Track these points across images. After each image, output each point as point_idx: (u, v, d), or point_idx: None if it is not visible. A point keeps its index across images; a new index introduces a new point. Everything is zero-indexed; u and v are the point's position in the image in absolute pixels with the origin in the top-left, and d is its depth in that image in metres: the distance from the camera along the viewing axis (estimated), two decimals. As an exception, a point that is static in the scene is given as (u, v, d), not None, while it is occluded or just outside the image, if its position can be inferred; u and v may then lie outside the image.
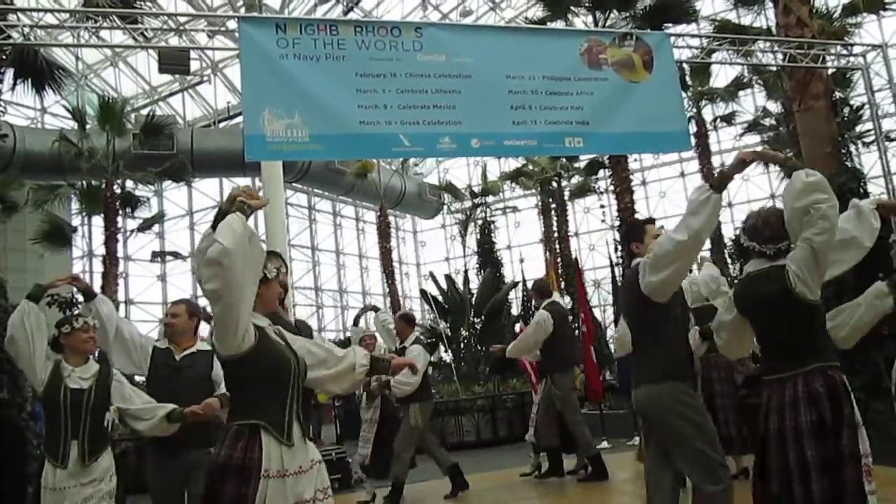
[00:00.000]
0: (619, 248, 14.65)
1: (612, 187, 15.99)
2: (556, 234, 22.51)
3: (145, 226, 16.78)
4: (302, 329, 3.95)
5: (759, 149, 3.39)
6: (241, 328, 2.63)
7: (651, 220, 4.06)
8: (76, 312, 4.24)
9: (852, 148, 13.33)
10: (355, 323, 7.82)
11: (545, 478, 7.43)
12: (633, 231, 3.93)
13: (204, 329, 4.48)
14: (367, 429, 7.34)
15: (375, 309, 7.80)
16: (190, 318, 4.31)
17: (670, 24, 12.96)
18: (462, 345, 16.90)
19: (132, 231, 16.92)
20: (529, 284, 11.52)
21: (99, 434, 3.94)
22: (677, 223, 3.28)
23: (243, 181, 23.81)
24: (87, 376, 3.99)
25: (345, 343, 19.82)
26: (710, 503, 3.37)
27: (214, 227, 2.66)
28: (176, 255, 20.05)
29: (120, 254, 15.89)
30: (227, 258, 2.46)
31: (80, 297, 4.41)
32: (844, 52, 9.58)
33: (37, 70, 10.91)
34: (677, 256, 3.27)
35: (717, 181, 3.20)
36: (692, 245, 3.24)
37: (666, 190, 26.12)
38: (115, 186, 15.21)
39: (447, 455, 7.24)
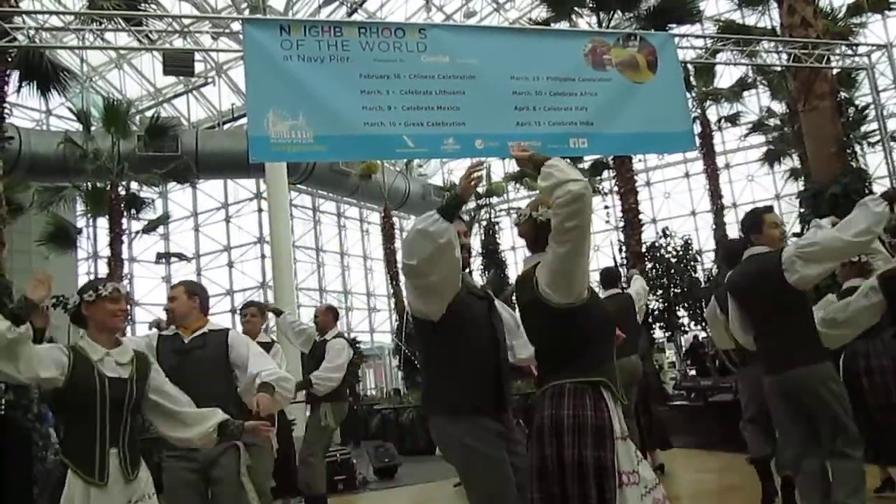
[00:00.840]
0: (624, 248, 14.63)
1: (616, 188, 15.96)
2: (560, 235, 22.46)
3: (150, 227, 16.81)
4: None
5: None
6: (587, 272, 2.60)
7: (769, 209, 4.19)
8: (103, 279, 3.47)
9: (857, 148, 13.29)
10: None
11: None
12: (752, 221, 4.07)
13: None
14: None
15: (277, 312, 6.66)
16: (189, 297, 3.82)
17: (674, 25, 12.94)
18: (466, 346, 16.91)
19: (137, 232, 16.96)
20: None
21: (137, 438, 3.17)
22: (848, 225, 3.63)
23: (247, 182, 23.90)
24: (124, 362, 3.11)
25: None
26: (853, 472, 3.63)
27: (444, 213, 2.83)
28: (181, 256, 20.06)
29: (125, 255, 15.95)
30: (588, 192, 2.48)
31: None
32: (849, 52, 9.58)
33: (42, 72, 10.94)
34: (844, 254, 3.76)
35: (892, 196, 3.68)
36: (866, 246, 3.85)
37: (670, 190, 26.07)
38: (120, 188, 15.24)
39: None
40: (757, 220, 4.00)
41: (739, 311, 4.08)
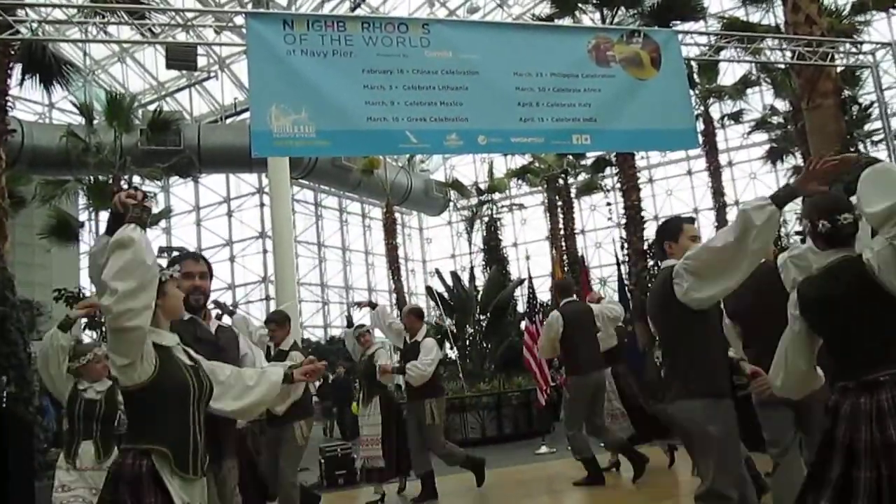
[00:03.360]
0: (625, 245, 14.63)
1: (618, 185, 15.96)
2: (562, 232, 22.49)
3: (152, 221, 16.78)
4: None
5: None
6: None
7: (690, 219, 3.75)
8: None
9: (861, 146, 13.27)
10: (349, 324, 7.64)
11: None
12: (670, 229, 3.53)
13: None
14: (370, 429, 7.00)
15: (373, 305, 7.35)
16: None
17: (678, 22, 12.89)
18: (468, 342, 16.87)
19: (139, 226, 16.93)
20: (536, 283, 11.42)
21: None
22: (720, 233, 3.02)
23: (250, 177, 23.91)
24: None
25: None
26: None
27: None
28: (182, 250, 20.08)
29: (127, 249, 15.91)
30: None
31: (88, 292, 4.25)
32: (853, 49, 9.54)
33: (45, 65, 10.93)
34: (714, 267, 3.05)
35: (784, 197, 2.86)
36: (743, 257, 2.98)
37: (673, 188, 26.07)
38: (122, 182, 15.24)
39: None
40: (675, 230, 3.46)
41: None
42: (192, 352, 2.75)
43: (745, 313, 3.81)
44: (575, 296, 7.28)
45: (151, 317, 2.44)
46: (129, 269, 2.32)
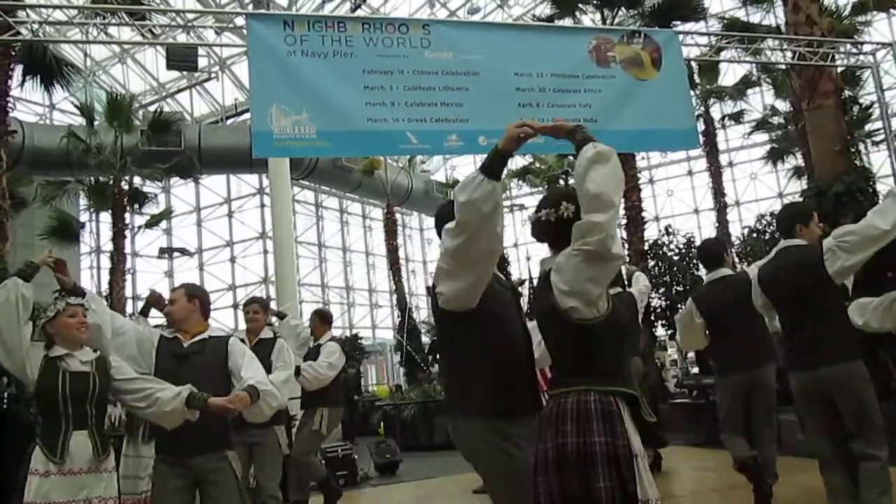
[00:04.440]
0: (626, 245, 14.60)
1: (619, 185, 15.87)
2: (562, 232, 22.48)
3: (153, 222, 16.82)
4: None
5: None
6: None
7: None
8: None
9: (861, 147, 13.26)
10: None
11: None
12: (800, 214, 4.08)
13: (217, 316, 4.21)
14: None
15: (281, 316, 6.62)
16: (189, 300, 3.71)
17: (679, 22, 12.90)
18: (468, 342, 16.93)
19: (140, 227, 16.97)
20: (537, 282, 11.39)
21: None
22: (883, 212, 3.57)
23: (250, 178, 23.91)
24: (86, 360, 3.49)
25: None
26: (880, 473, 3.61)
27: (486, 173, 2.44)
28: (183, 251, 20.08)
29: (127, 250, 15.96)
30: None
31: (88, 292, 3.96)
32: (854, 50, 9.54)
33: (45, 66, 10.95)
34: (879, 242, 3.59)
35: None
36: None
37: (673, 188, 26.06)
38: (123, 183, 15.24)
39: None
40: (807, 215, 3.98)
41: (770, 305, 4.00)
42: None
43: (720, 312, 4.45)
44: None
45: None
46: (614, 181, 2.28)
